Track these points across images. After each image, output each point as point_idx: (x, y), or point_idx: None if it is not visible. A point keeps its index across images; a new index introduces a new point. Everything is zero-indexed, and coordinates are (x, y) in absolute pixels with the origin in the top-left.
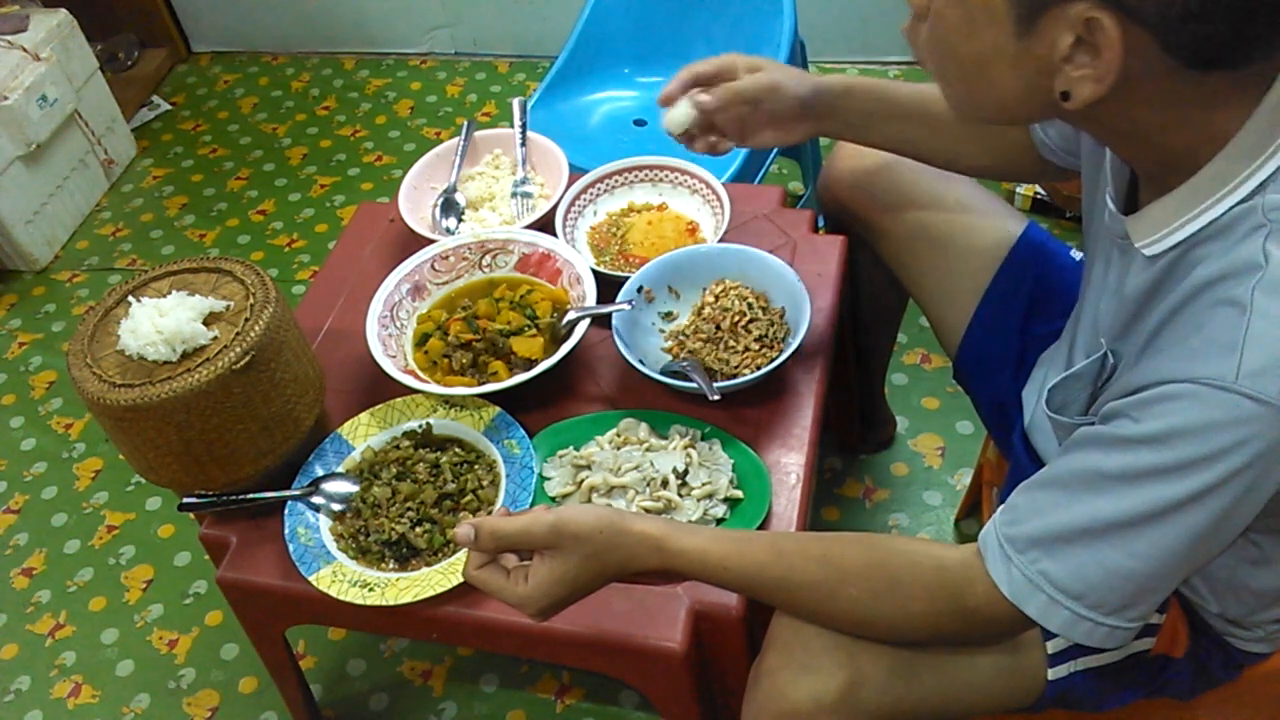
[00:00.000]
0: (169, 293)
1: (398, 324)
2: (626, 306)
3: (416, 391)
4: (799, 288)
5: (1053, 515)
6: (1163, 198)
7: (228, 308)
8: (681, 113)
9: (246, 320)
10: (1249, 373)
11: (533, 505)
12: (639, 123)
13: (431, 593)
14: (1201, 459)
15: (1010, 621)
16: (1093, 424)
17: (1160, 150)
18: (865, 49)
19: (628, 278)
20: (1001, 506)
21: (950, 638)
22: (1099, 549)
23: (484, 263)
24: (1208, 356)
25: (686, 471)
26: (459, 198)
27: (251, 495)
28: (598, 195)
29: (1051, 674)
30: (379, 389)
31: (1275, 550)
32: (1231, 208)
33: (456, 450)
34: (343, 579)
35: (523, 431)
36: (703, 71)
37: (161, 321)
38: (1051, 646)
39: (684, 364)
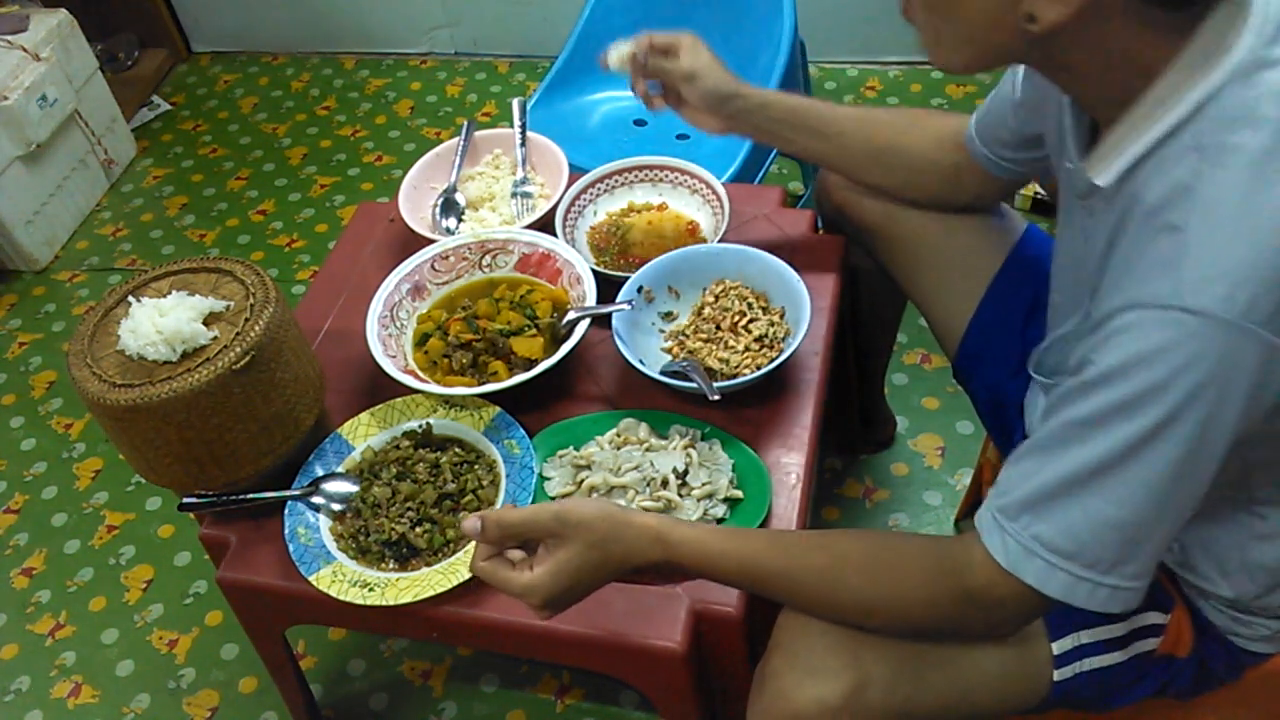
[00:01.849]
0: (169, 293)
1: (398, 324)
2: (626, 306)
3: (416, 391)
4: (799, 288)
5: (1038, 476)
6: (1112, 129)
7: (228, 308)
8: (622, 52)
9: (246, 320)
10: (1188, 287)
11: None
12: (639, 123)
13: (431, 593)
14: (1158, 385)
15: (1014, 600)
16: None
17: (1114, 85)
18: (865, 49)
19: (628, 278)
20: (993, 486)
21: (954, 624)
22: (1083, 500)
23: (484, 263)
24: (1148, 279)
25: (686, 471)
26: (459, 198)
27: (251, 495)
28: (598, 195)
29: (1057, 675)
30: (379, 389)
31: None
32: (1170, 132)
33: (456, 450)
34: (343, 579)
35: (523, 431)
36: (656, 40)
37: (161, 321)
38: (1058, 647)
39: (684, 364)
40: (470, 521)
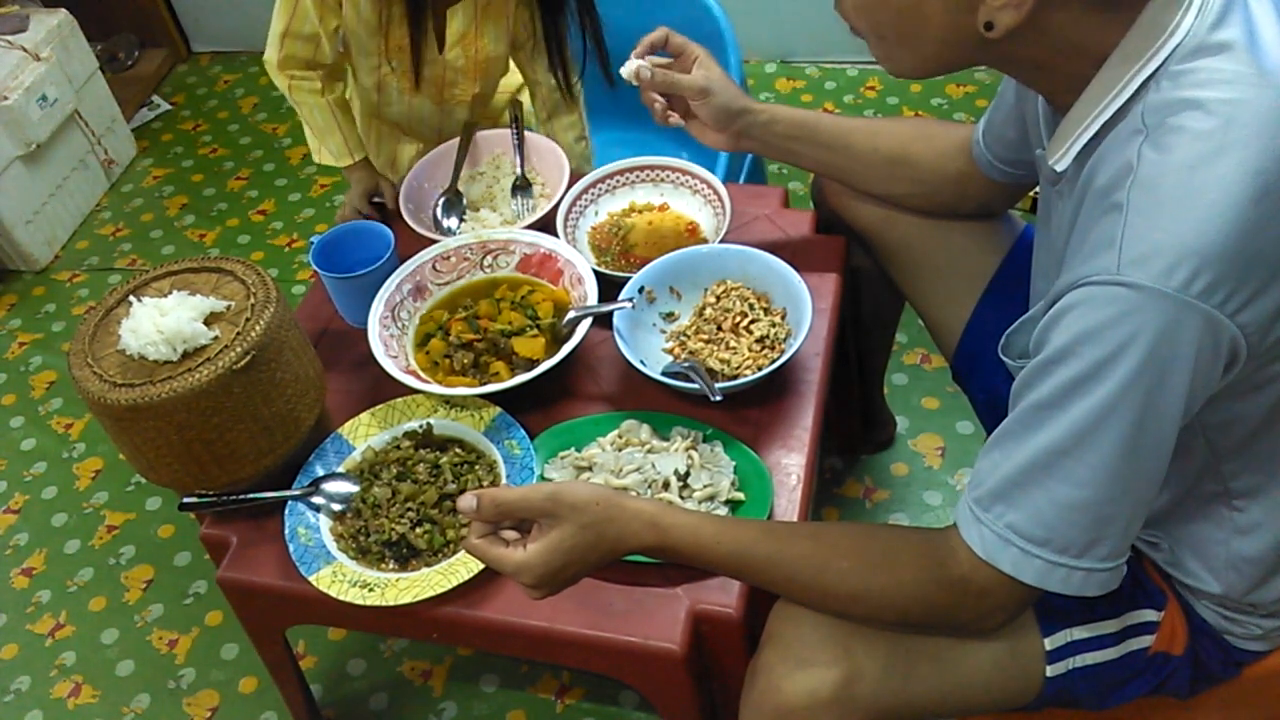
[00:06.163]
0: (170, 292)
1: (399, 324)
2: (628, 304)
3: (417, 392)
4: (800, 288)
5: (1006, 464)
6: (1067, 115)
7: (228, 307)
8: (631, 67)
9: (247, 320)
10: (1128, 263)
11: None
12: None
13: (431, 593)
14: (1106, 359)
15: (997, 589)
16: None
17: (1067, 74)
18: (861, 49)
19: (629, 278)
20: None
21: (941, 614)
22: (1047, 485)
23: (485, 263)
24: (1094, 257)
25: (688, 473)
26: (460, 198)
27: (252, 495)
28: (599, 195)
29: (1050, 670)
30: (380, 389)
31: (1260, 514)
32: (1116, 115)
33: (457, 451)
34: (343, 579)
35: (523, 432)
36: (674, 41)
37: (162, 321)
38: (1049, 642)
39: (685, 365)
40: (466, 499)
